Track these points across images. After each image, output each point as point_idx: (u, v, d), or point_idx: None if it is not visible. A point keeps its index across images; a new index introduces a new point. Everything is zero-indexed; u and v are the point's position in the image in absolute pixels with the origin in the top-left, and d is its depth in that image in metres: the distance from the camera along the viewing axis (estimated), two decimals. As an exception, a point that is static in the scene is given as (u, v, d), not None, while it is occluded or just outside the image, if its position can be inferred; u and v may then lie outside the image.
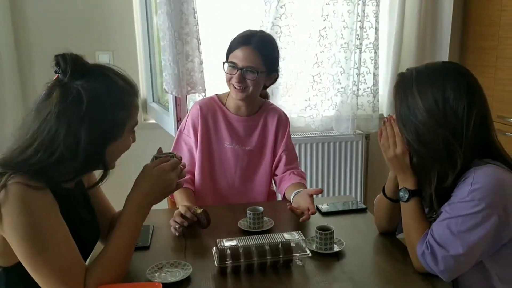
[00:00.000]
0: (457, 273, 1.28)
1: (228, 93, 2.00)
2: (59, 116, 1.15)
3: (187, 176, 1.94)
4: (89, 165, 1.23)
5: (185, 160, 1.97)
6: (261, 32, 1.98)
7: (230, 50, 1.90)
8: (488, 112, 1.33)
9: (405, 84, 1.36)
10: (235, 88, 1.89)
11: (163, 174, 1.28)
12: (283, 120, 2.06)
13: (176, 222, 1.63)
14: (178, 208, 1.70)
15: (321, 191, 1.78)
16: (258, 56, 1.86)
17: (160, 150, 1.40)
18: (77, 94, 1.16)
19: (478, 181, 1.22)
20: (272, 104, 2.12)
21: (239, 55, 1.85)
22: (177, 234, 1.62)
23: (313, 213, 1.65)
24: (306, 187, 1.95)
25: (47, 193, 1.16)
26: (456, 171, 1.28)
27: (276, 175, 2.06)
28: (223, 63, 1.91)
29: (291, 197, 1.83)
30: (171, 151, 1.98)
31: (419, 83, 1.32)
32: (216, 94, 2.06)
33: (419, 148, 1.32)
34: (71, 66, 1.17)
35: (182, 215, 1.64)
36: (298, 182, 1.95)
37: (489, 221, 1.21)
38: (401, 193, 1.41)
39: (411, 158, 1.37)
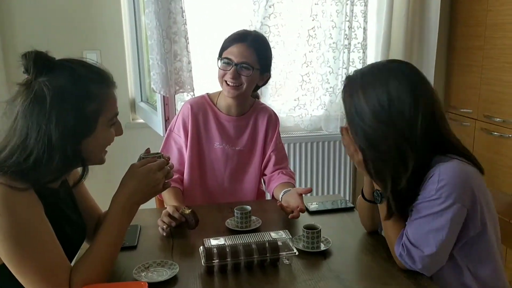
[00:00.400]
0: (436, 268, 1.30)
1: (219, 92, 1.99)
2: (26, 115, 1.13)
3: (176, 176, 1.94)
4: (67, 163, 1.19)
5: (175, 159, 1.97)
6: (256, 31, 1.99)
7: (224, 47, 1.90)
8: (437, 107, 1.29)
9: (351, 87, 1.34)
10: (228, 84, 1.88)
11: (149, 173, 1.27)
12: (273, 120, 2.07)
13: (163, 222, 1.62)
14: (166, 208, 1.70)
15: (310, 190, 1.79)
16: (253, 53, 1.86)
17: (148, 150, 1.39)
18: (40, 90, 1.13)
19: (443, 177, 1.23)
20: (263, 104, 2.13)
21: (234, 51, 1.85)
22: (164, 234, 1.62)
23: (302, 211, 1.65)
24: (294, 187, 1.96)
25: (30, 194, 1.14)
26: (408, 173, 1.25)
27: (265, 175, 2.06)
28: (218, 59, 1.91)
29: (280, 196, 1.83)
30: (160, 149, 1.99)
31: (364, 86, 1.30)
32: (207, 93, 2.06)
33: (370, 152, 1.30)
34: (33, 63, 1.14)
35: (170, 215, 1.63)
36: (286, 181, 1.95)
37: (459, 215, 1.24)
38: (375, 195, 1.42)
39: (366, 164, 1.34)
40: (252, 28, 2.88)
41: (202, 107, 2.00)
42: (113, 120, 1.26)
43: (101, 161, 1.30)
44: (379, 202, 1.40)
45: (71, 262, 1.32)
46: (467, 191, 1.24)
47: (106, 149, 1.30)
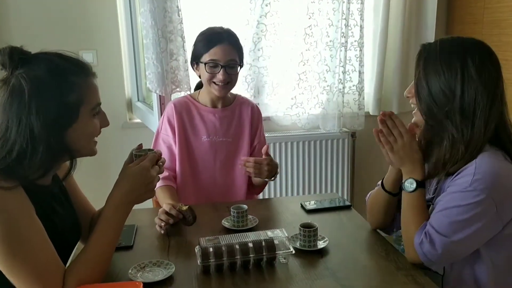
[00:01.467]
0: (453, 259, 1.29)
1: (199, 91, 2.04)
2: (5, 109, 1.13)
3: (168, 173, 1.95)
4: (53, 155, 1.18)
5: (165, 157, 1.94)
6: (223, 28, 1.97)
7: (203, 51, 1.90)
8: (503, 100, 1.34)
9: (426, 58, 1.36)
10: (218, 85, 1.91)
11: (143, 171, 1.26)
12: (256, 111, 2.11)
13: (161, 220, 1.62)
14: (162, 207, 1.69)
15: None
16: (234, 49, 1.92)
17: (140, 146, 1.37)
18: (18, 83, 1.13)
19: (479, 171, 1.24)
20: (244, 97, 2.17)
21: (218, 52, 1.87)
22: (162, 232, 1.61)
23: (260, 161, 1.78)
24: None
25: (19, 192, 1.13)
26: (459, 155, 1.31)
27: None
28: (197, 63, 1.93)
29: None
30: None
31: (437, 63, 1.32)
32: (189, 94, 2.10)
33: (430, 121, 1.35)
34: (8, 57, 1.14)
35: (167, 213, 1.63)
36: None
37: (489, 212, 1.23)
38: (407, 184, 1.39)
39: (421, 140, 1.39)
40: (248, 27, 2.88)
41: (185, 105, 2.03)
42: (96, 110, 1.25)
43: (91, 152, 1.29)
44: (412, 190, 1.37)
45: (66, 261, 1.32)
46: (500, 188, 1.24)
47: (95, 140, 1.29)
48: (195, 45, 1.95)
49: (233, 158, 2.05)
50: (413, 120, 1.44)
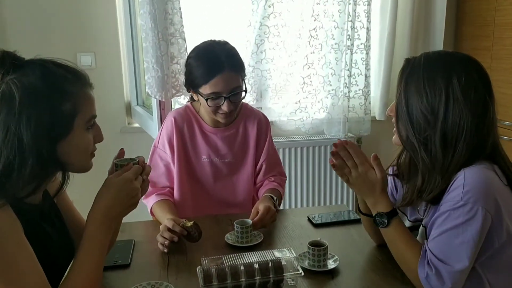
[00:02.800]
0: (460, 287, 1.20)
1: (200, 104, 1.84)
2: None
3: (166, 189, 1.84)
4: (44, 169, 1.09)
5: (163, 175, 1.86)
6: (219, 45, 1.77)
7: (201, 81, 1.70)
8: (489, 116, 1.24)
9: (409, 73, 1.28)
10: (223, 114, 1.76)
11: (126, 183, 1.16)
12: (263, 125, 1.94)
13: (164, 238, 1.51)
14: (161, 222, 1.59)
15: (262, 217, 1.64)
16: (235, 74, 1.73)
17: (121, 152, 1.26)
18: (8, 89, 1.04)
19: (468, 182, 1.16)
20: (250, 107, 1.99)
21: (219, 84, 1.69)
22: (165, 250, 1.51)
23: (261, 221, 1.61)
24: (280, 192, 1.89)
25: (6, 211, 1.03)
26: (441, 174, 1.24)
27: (256, 184, 1.96)
28: (196, 93, 1.76)
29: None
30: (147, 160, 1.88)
31: (420, 80, 1.25)
32: (191, 103, 1.92)
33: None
34: (0, 60, 1.06)
35: (169, 230, 1.52)
36: (270, 188, 1.88)
37: (486, 222, 1.15)
38: (378, 221, 1.32)
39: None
40: (250, 29, 2.79)
41: (187, 119, 1.87)
42: (91, 122, 1.17)
43: (84, 168, 1.19)
44: (385, 226, 1.31)
45: (57, 285, 1.22)
46: (490, 198, 1.16)
47: (91, 155, 1.20)
48: (190, 67, 1.76)
49: (235, 177, 1.91)
50: (393, 139, 1.36)
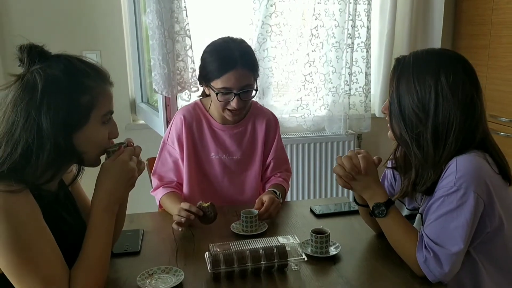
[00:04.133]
0: (457, 270, 1.26)
1: (211, 101, 1.89)
2: (16, 104, 1.10)
3: (173, 183, 1.89)
4: (60, 157, 1.14)
5: (171, 170, 1.91)
6: (234, 43, 1.78)
7: (215, 75, 1.73)
8: (477, 111, 1.30)
9: (400, 72, 1.34)
10: (231, 111, 1.79)
11: (123, 166, 1.22)
12: (272, 124, 1.97)
13: (181, 216, 1.56)
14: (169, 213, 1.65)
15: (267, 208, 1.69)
16: (249, 72, 1.75)
17: (111, 142, 1.31)
18: (32, 78, 1.11)
19: (460, 168, 1.23)
20: (260, 106, 2.03)
21: (231, 80, 1.71)
22: (180, 229, 1.57)
23: (268, 213, 1.66)
24: (285, 187, 1.94)
25: (26, 196, 1.10)
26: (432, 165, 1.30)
27: (262, 180, 2.01)
28: (206, 86, 1.80)
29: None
30: (156, 161, 1.95)
31: (410, 77, 1.31)
32: (200, 99, 1.96)
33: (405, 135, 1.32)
34: (27, 53, 1.14)
35: (187, 210, 1.57)
36: (275, 183, 1.92)
37: (478, 206, 1.21)
38: (376, 211, 1.37)
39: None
40: (253, 27, 2.85)
41: (196, 116, 1.90)
42: (107, 117, 1.23)
43: (95, 162, 1.26)
44: (384, 215, 1.36)
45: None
46: (482, 183, 1.22)
47: (100, 151, 1.26)
48: (204, 61, 1.78)
49: (243, 175, 1.95)
50: (388, 135, 1.42)
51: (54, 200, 1.25)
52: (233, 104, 1.75)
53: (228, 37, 1.82)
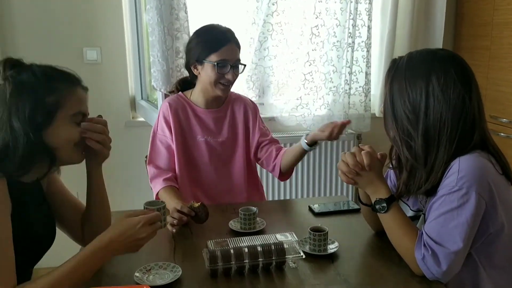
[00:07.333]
0: (457, 269, 1.25)
1: (191, 91, 2.01)
2: None
3: (171, 174, 1.92)
4: (33, 152, 1.22)
5: (165, 158, 1.95)
6: (220, 26, 1.94)
7: (210, 50, 1.85)
8: (476, 111, 1.30)
9: (395, 74, 1.34)
10: (224, 85, 1.89)
11: (135, 227, 1.20)
12: (250, 108, 2.06)
13: (174, 218, 1.58)
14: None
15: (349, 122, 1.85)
16: (239, 50, 1.92)
17: (154, 201, 1.38)
18: (3, 85, 1.22)
19: (463, 168, 1.22)
20: (237, 94, 2.12)
21: (227, 52, 1.85)
22: (174, 231, 1.58)
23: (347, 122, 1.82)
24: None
25: (1, 186, 1.16)
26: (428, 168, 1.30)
27: (260, 159, 2.05)
28: (210, 63, 1.85)
29: (304, 137, 1.89)
30: (148, 153, 1.97)
31: (404, 79, 1.31)
32: (182, 92, 2.05)
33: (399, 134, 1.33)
34: (3, 65, 1.24)
35: (179, 211, 1.59)
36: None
37: (480, 207, 1.21)
38: (377, 206, 1.36)
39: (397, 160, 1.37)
40: (255, 26, 2.85)
41: (180, 104, 1.99)
42: (77, 118, 1.29)
43: (72, 160, 1.32)
44: (385, 211, 1.35)
45: (38, 261, 1.35)
46: (484, 184, 1.21)
47: (75, 147, 1.29)
48: (196, 44, 1.89)
49: (229, 158, 2.02)
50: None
51: (27, 190, 1.30)
52: (229, 76, 1.87)
53: (212, 23, 1.96)
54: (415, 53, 1.35)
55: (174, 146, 1.94)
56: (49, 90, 1.24)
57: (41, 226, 1.35)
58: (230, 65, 1.86)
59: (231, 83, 1.91)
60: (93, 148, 1.33)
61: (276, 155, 1.98)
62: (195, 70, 1.92)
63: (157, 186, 1.88)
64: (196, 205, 1.59)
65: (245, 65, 1.95)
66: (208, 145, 1.98)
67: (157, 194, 1.88)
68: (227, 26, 1.95)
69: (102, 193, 1.45)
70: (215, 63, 1.84)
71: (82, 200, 1.50)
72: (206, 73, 1.88)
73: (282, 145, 2.08)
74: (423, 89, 1.27)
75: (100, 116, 1.37)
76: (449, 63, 1.29)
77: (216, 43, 1.85)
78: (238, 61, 1.90)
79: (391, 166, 1.53)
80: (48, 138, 1.24)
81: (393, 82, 1.33)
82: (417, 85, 1.28)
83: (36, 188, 1.36)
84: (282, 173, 1.99)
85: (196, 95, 1.99)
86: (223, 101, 2.03)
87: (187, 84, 2.06)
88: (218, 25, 1.94)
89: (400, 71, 1.32)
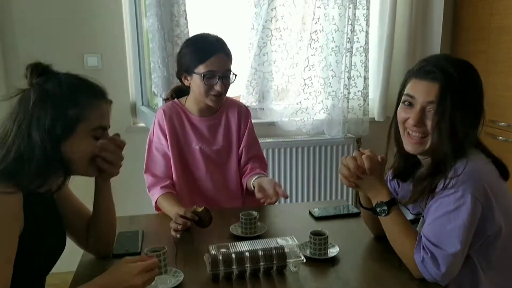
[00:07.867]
0: (456, 271, 1.26)
1: (186, 98, 2.00)
2: (11, 116, 1.20)
3: (169, 182, 1.91)
4: (49, 164, 1.19)
5: (162, 166, 1.94)
6: (210, 35, 1.91)
7: (198, 61, 1.83)
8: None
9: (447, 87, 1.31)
10: (215, 96, 1.87)
11: (129, 275, 1.16)
12: (243, 113, 2.04)
13: (178, 223, 1.58)
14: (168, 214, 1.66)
15: (286, 196, 1.72)
16: (229, 59, 1.89)
17: (156, 247, 1.35)
18: (28, 92, 1.20)
19: (460, 171, 1.24)
20: (231, 98, 2.10)
21: (215, 63, 1.82)
22: (178, 236, 1.58)
23: (285, 196, 1.68)
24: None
25: (14, 201, 1.13)
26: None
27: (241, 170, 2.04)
28: (198, 75, 1.83)
29: (252, 181, 1.84)
30: (144, 163, 1.97)
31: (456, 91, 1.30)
32: (177, 99, 2.04)
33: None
34: (30, 71, 1.22)
35: (182, 216, 1.59)
36: (257, 173, 1.94)
37: (476, 209, 1.23)
38: (378, 209, 1.38)
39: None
40: (253, 32, 2.87)
41: (175, 110, 1.98)
42: (98, 132, 1.26)
43: (86, 173, 1.30)
44: (386, 214, 1.36)
45: (48, 272, 1.34)
46: (479, 187, 1.23)
47: (90, 161, 1.27)
48: (184, 55, 1.88)
49: (224, 164, 2.01)
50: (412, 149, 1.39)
51: (42, 201, 1.29)
52: (217, 87, 1.84)
53: (203, 32, 1.93)
54: (465, 68, 1.37)
55: (170, 153, 1.94)
56: (73, 103, 1.21)
57: (53, 237, 1.33)
58: (219, 76, 1.83)
59: (221, 94, 1.87)
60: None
61: (246, 175, 1.97)
62: (186, 81, 1.92)
63: (156, 194, 1.87)
64: (200, 209, 1.60)
65: (236, 75, 1.92)
66: (203, 153, 1.97)
67: (156, 202, 1.88)
68: (218, 35, 1.92)
69: (109, 203, 1.45)
70: (202, 75, 1.83)
71: (86, 203, 1.51)
72: (195, 84, 1.87)
73: (259, 165, 2.01)
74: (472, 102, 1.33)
75: (117, 134, 1.35)
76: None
77: (204, 54, 1.83)
78: (228, 71, 1.87)
79: (389, 177, 1.55)
80: (65, 150, 1.22)
81: (455, 100, 1.28)
82: (469, 101, 1.33)
83: (48, 197, 1.34)
84: (249, 193, 1.96)
85: (190, 103, 1.98)
86: (217, 109, 2.01)
87: (182, 91, 2.05)
88: (207, 34, 1.91)
89: (458, 88, 1.29)
